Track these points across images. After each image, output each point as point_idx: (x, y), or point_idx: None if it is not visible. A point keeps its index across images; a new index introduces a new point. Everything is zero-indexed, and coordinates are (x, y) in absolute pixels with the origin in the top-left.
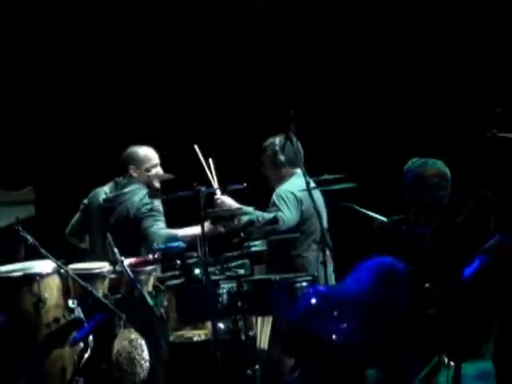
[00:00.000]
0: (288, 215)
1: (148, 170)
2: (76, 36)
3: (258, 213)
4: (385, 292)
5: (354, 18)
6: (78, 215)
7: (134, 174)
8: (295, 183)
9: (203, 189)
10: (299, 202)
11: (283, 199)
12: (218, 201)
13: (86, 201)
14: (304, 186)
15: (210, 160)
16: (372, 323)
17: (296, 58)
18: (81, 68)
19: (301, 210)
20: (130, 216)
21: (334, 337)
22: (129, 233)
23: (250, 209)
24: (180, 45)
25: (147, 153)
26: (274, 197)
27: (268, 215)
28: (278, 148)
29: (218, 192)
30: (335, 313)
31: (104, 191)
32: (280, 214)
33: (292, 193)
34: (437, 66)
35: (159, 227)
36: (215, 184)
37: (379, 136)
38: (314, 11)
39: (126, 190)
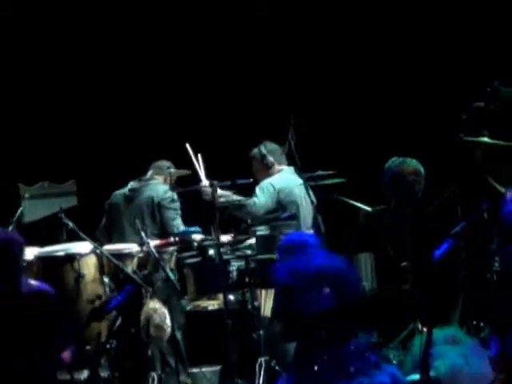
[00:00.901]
0: (258, 201)
1: (169, 167)
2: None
3: (236, 197)
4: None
5: (344, 25)
6: (104, 218)
7: (157, 171)
8: (279, 177)
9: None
10: (277, 192)
11: (261, 189)
12: (207, 189)
13: (108, 201)
14: (287, 179)
15: (200, 156)
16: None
17: (292, 59)
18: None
19: (277, 199)
20: (154, 202)
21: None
22: (151, 216)
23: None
24: (182, 46)
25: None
26: (256, 187)
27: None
28: (264, 151)
29: (206, 183)
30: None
31: (127, 187)
32: (253, 199)
33: (271, 184)
34: (415, 79)
35: (179, 223)
36: (203, 177)
37: (364, 139)
38: (310, 15)
39: (149, 182)
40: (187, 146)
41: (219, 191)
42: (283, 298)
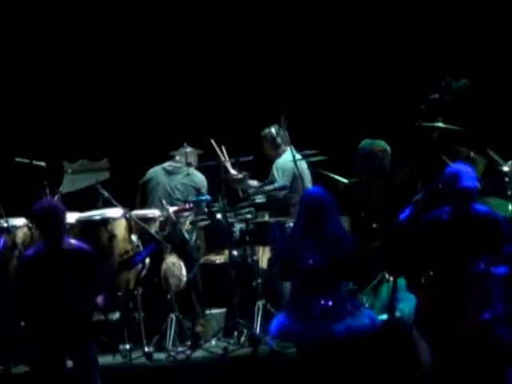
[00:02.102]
0: (281, 183)
1: (185, 147)
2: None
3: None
4: None
5: (324, 20)
6: (138, 195)
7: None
8: (288, 156)
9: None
10: (291, 169)
11: (279, 171)
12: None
13: (145, 179)
14: (294, 156)
15: (223, 148)
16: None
17: (282, 52)
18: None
19: (293, 175)
20: (195, 186)
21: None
22: (189, 193)
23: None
24: (188, 48)
25: None
26: (274, 168)
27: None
28: (274, 134)
29: (235, 173)
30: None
31: (162, 166)
32: (275, 185)
33: (286, 164)
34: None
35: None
36: (230, 168)
37: (342, 124)
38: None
39: (180, 165)
40: (212, 141)
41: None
42: (287, 249)
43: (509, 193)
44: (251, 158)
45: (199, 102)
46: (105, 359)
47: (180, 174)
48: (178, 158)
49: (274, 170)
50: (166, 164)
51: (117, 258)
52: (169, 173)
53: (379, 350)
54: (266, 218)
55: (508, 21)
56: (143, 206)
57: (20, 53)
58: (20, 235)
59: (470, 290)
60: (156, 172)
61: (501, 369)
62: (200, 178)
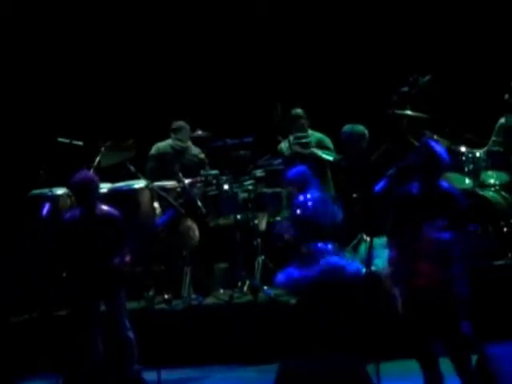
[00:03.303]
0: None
1: (197, 130)
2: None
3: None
4: None
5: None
6: (152, 163)
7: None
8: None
9: None
10: None
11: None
12: None
13: (155, 153)
14: None
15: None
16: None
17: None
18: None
19: None
20: (196, 160)
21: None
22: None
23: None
24: (191, 48)
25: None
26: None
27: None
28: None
29: None
30: None
31: (168, 142)
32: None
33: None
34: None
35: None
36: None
37: (329, 111)
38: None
39: (187, 144)
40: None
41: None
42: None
43: (465, 169)
44: (252, 139)
45: (204, 89)
46: (132, 304)
47: (186, 151)
48: (183, 134)
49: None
50: (172, 142)
51: (142, 222)
52: (177, 151)
53: (360, 296)
54: (264, 189)
55: (465, 24)
56: (152, 175)
57: (47, 44)
58: (62, 202)
59: (430, 251)
60: (166, 148)
61: (455, 320)
62: (199, 152)
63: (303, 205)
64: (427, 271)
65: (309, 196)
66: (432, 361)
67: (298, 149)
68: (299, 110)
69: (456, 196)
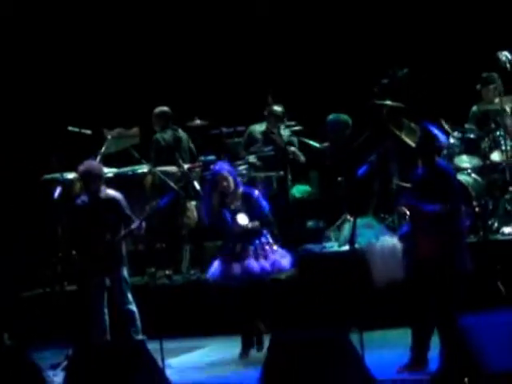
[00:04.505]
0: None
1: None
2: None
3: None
4: None
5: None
6: (154, 153)
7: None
8: None
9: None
10: None
11: None
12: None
13: (156, 139)
14: None
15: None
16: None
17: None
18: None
19: None
20: (186, 148)
21: None
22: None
23: None
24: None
25: None
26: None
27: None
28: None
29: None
30: None
31: (167, 133)
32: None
33: None
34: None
35: None
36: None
37: (315, 101)
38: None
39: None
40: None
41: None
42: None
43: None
44: (245, 128)
45: (202, 82)
46: (135, 279)
47: (182, 139)
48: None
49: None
50: (176, 132)
51: (144, 203)
52: (176, 139)
53: (345, 269)
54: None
55: (439, 19)
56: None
57: (54, 38)
58: (73, 186)
59: (427, 227)
60: (164, 138)
61: (449, 292)
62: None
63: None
64: (429, 244)
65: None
66: (427, 333)
67: (288, 138)
68: (277, 108)
69: (452, 175)
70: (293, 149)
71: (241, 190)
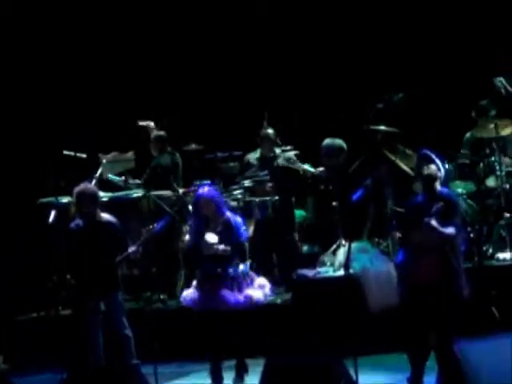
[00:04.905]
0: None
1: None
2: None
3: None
4: None
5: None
6: (148, 172)
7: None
8: None
9: None
10: None
11: None
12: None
13: (154, 164)
14: None
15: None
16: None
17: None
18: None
19: None
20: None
21: None
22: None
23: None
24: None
25: None
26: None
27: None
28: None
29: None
30: None
31: (165, 157)
32: None
33: None
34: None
35: None
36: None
37: (309, 127)
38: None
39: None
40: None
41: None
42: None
43: None
44: (240, 153)
45: (198, 108)
46: (130, 304)
47: (179, 164)
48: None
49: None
50: (169, 157)
51: (140, 227)
52: (174, 164)
53: (339, 294)
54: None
55: (436, 45)
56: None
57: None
58: (67, 210)
59: (431, 251)
60: (161, 162)
61: (448, 316)
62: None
63: None
64: (429, 269)
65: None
66: (421, 358)
67: (285, 162)
68: (268, 131)
69: (455, 200)
70: (300, 165)
71: (225, 215)
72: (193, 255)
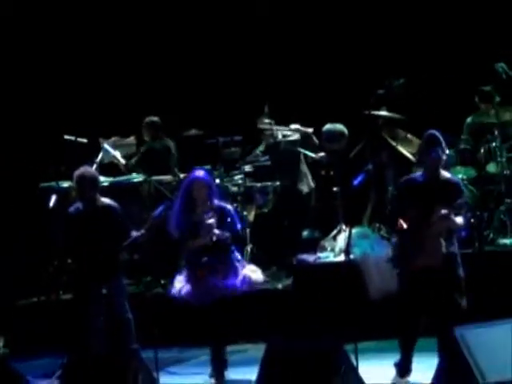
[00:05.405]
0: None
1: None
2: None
3: None
4: None
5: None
6: (139, 156)
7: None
8: None
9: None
10: None
11: None
12: None
13: (143, 149)
14: None
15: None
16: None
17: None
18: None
19: None
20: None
21: None
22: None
23: None
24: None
25: None
26: None
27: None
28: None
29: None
30: None
31: (157, 142)
32: None
33: None
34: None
35: None
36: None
37: (312, 113)
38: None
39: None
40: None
41: None
42: None
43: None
44: (241, 138)
45: (199, 92)
46: (130, 288)
47: (170, 148)
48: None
49: None
50: (168, 141)
51: (141, 212)
52: (165, 148)
53: (340, 280)
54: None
55: (438, 30)
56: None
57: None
58: (68, 195)
59: (433, 233)
60: (153, 147)
61: (452, 297)
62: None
63: None
64: (430, 251)
65: None
66: (412, 343)
67: (287, 146)
68: (264, 121)
69: (460, 182)
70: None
71: (214, 203)
72: (180, 242)
